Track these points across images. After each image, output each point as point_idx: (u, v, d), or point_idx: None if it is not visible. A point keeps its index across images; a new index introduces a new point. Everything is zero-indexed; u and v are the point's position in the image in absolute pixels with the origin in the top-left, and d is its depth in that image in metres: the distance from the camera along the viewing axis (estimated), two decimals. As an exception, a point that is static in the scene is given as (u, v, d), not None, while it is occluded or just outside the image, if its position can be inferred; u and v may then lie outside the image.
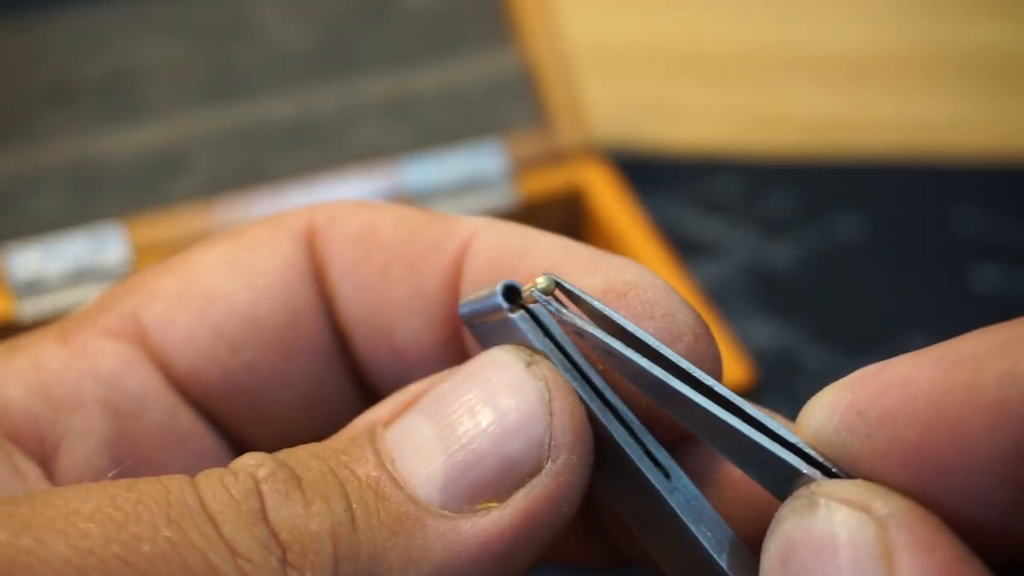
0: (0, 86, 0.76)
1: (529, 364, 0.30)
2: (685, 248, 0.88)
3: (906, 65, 1.06)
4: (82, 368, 0.33)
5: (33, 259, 0.74)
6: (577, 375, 0.31)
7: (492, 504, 0.29)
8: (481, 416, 0.30)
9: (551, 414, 0.30)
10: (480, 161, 0.81)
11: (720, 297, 0.86)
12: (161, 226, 0.76)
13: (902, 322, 0.84)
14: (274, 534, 0.27)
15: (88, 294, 0.73)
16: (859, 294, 0.86)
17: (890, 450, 0.27)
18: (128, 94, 0.79)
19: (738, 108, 1.02)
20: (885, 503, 0.27)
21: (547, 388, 0.30)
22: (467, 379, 0.31)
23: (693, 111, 1.02)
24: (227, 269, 0.35)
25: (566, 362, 0.31)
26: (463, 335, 0.35)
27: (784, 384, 0.80)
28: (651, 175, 0.95)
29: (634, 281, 0.32)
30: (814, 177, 0.95)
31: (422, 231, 0.35)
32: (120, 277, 0.74)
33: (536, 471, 0.29)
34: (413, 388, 0.32)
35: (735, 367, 0.69)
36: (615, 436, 0.31)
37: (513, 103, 0.83)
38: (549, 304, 0.31)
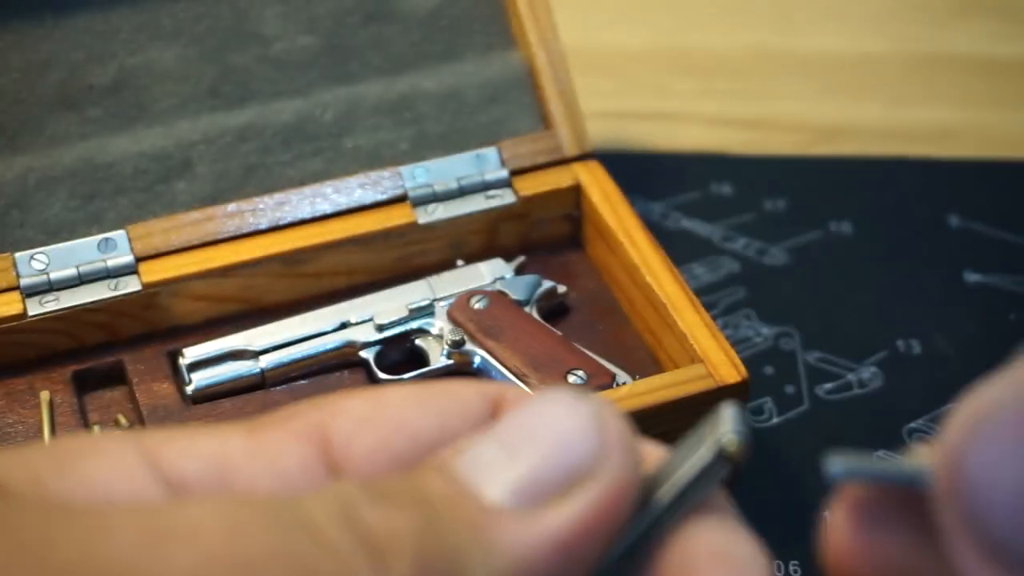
0: (8, 91, 0.77)
1: (582, 395, 0.34)
2: (682, 249, 0.89)
3: (900, 70, 1.07)
4: (263, 461, 0.35)
5: (40, 262, 0.75)
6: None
7: (555, 504, 0.32)
8: (541, 430, 0.33)
9: (604, 426, 0.33)
10: (480, 164, 0.82)
11: (716, 298, 0.86)
12: (166, 230, 0.77)
13: (898, 324, 0.85)
14: (365, 532, 0.31)
15: (94, 297, 0.75)
16: (855, 296, 0.87)
17: None
18: (133, 99, 0.79)
19: (735, 111, 1.03)
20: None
21: (598, 406, 0.33)
22: (526, 407, 0.34)
23: (690, 113, 1.03)
24: (417, 404, 0.37)
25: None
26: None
27: (780, 385, 0.81)
28: (649, 177, 0.96)
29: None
30: (810, 179, 0.96)
31: None
32: (126, 280, 0.75)
33: (593, 472, 0.33)
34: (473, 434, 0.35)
35: (731, 369, 0.70)
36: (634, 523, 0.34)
37: (513, 106, 0.83)
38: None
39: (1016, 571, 0.28)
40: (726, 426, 0.33)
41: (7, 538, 0.29)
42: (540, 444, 0.33)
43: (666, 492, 0.34)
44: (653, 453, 0.35)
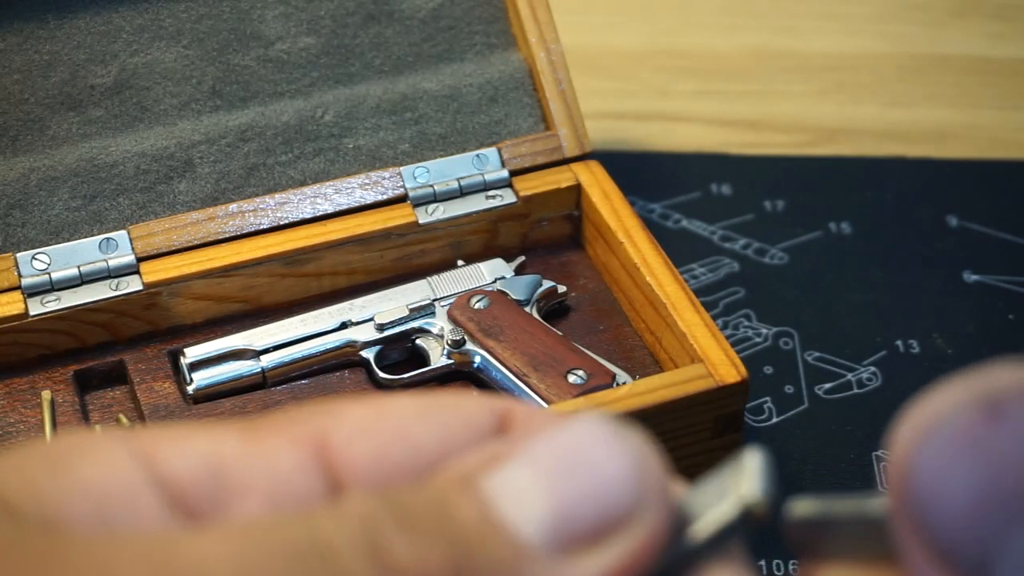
0: (10, 92, 0.78)
1: (621, 428, 0.32)
2: (682, 249, 0.89)
3: (899, 70, 1.07)
4: (258, 462, 0.34)
5: (42, 262, 0.75)
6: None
7: (590, 551, 0.31)
8: (579, 464, 0.32)
9: (644, 470, 0.32)
10: (480, 164, 0.82)
11: (716, 298, 0.87)
12: (167, 230, 0.77)
13: (897, 323, 0.85)
14: (388, 569, 0.29)
15: (95, 296, 0.75)
16: (854, 296, 0.87)
17: None
18: (135, 100, 0.80)
19: (735, 111, 1.03)
20: None
21: (639, 445, 0.32)
22: (561, 431, 0.33)
23: (690, 114, 1.03)
24: (421, 415, 0.35)
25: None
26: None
27: (779, 385, 0.81)
28: (649, 177, 0.96)
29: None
30: (809, 180, 0.96)
31: None
32: (127, 280, 0.76)
33: (630, 520, 0.31)
34: (499, 445, 0.34)
35: (730, 369, 0.70)
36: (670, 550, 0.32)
37: (513, 107, 0.84)
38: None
39: None
40: (753, 484, 0.32)
41: (9, 569, 0.28)
42: (578, 480, 0.32)
43: (684, 542, 0.32)
44: (675, 491, 0.34)
